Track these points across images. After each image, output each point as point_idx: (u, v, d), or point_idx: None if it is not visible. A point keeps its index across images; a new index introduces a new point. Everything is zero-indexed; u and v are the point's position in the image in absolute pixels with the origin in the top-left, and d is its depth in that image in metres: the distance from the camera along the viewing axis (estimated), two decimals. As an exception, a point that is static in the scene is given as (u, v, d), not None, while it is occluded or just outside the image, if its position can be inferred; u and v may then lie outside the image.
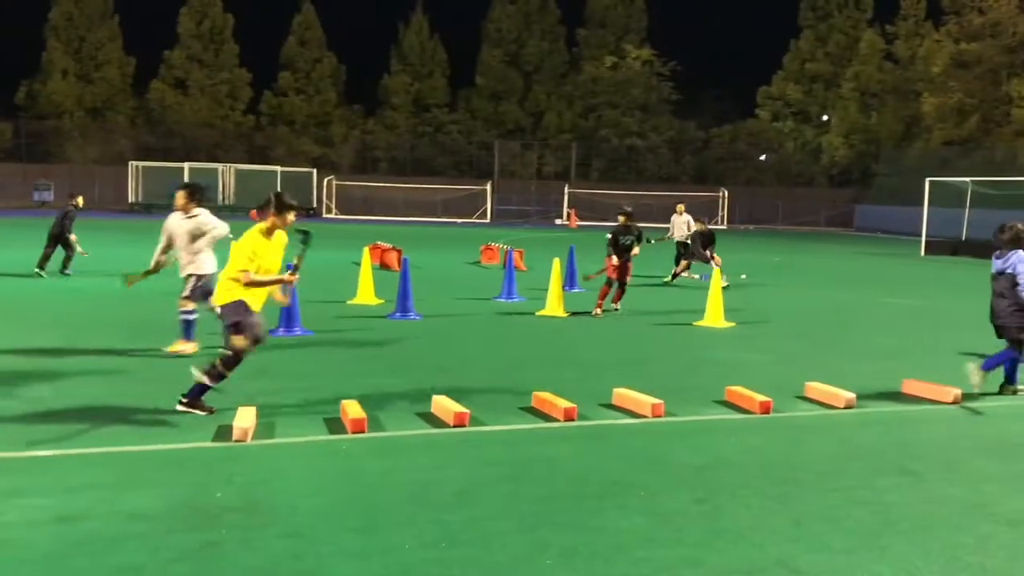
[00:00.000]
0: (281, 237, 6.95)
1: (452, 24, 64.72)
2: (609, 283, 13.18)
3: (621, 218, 13.26)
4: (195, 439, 6.17)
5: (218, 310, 7.04)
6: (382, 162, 61.33)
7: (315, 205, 49.96)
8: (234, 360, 6.77)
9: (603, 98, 60.62)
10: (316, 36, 60.86)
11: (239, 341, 6.72)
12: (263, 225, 6.80)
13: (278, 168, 49.38)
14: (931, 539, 4.73)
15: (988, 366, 8.44)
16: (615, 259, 13.04)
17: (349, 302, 13.74)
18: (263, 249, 6.74)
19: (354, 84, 62.72)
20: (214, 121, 57.52)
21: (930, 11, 55.12)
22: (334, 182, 51.05)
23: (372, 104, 62.94)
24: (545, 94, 62.38)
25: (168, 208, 18.92)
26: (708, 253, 17.80)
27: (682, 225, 19.44)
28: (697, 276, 18.93)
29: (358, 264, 19.65)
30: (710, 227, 18.79)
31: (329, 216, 49.26)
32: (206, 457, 5.83)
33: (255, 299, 6.84)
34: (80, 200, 16.91)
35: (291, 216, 6.83)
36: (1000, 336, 8.53)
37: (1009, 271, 8.24)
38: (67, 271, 16.42)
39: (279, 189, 7.17)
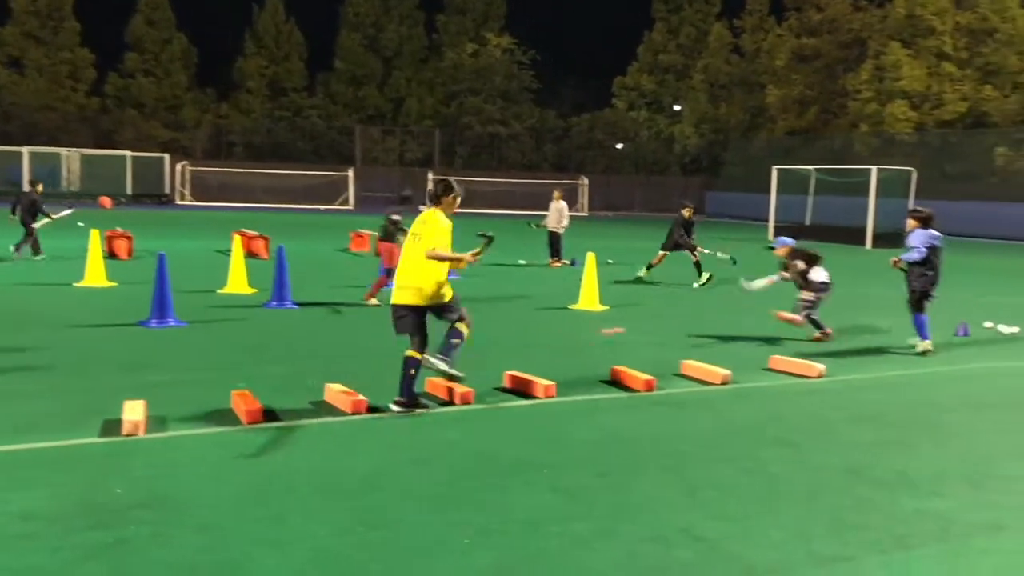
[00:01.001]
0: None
1: (308, 7, 63.15)
2: (388, 273, 11.99)
3: (399, 206, 13.00)
4: (80, 435, 5.92)
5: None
6: (238, 147, 59.33)
7: (167, 192, 47.94)
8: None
9: (464, 85, 60.68)
10: (165, 16, 58.11)
11: (467, 328, 7.17)
12: (443, 209, 7.11)
13: (127, 153, 47.04)
14: (816, 503, 5.09)
15: (926, 335, 10.00)
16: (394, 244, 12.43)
17: (220, 291, 13.35)
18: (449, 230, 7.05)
19: (206, 67, 60.38)
20: (55, 103, 54.11)
21: (773, 7, 57.90)
22: (187, 168, 49.10)
23: (226, 87, 60.79)
24: (405, 80, 61.89)
25: (6, 194, 17.94)
26: (692, 241, 16.77)
27: (555, 213, 19.58)
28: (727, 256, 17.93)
29: (222, 252, 19.15)
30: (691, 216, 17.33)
31: (183, 203, 47.40)
32: (96, 453, 5.61)
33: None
34: (40, 187, 18.16)
35: (457, 202, 7.23)
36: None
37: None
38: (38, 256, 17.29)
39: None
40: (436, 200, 7.17)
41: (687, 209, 17.28)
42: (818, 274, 10.78)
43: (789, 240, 11.45)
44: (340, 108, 60.89)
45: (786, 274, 10.98)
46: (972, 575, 4.18)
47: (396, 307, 7.00)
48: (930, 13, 45.20)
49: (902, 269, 10.17)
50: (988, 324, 12.04)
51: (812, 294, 10.68)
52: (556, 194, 19.84)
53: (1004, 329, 11.74)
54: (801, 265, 10.82)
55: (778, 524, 4.74)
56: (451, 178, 7.37)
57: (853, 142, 48.25)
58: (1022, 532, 4.74)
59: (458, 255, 7.01)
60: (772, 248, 11.49)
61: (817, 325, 10.77)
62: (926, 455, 6.10)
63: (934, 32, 45.44)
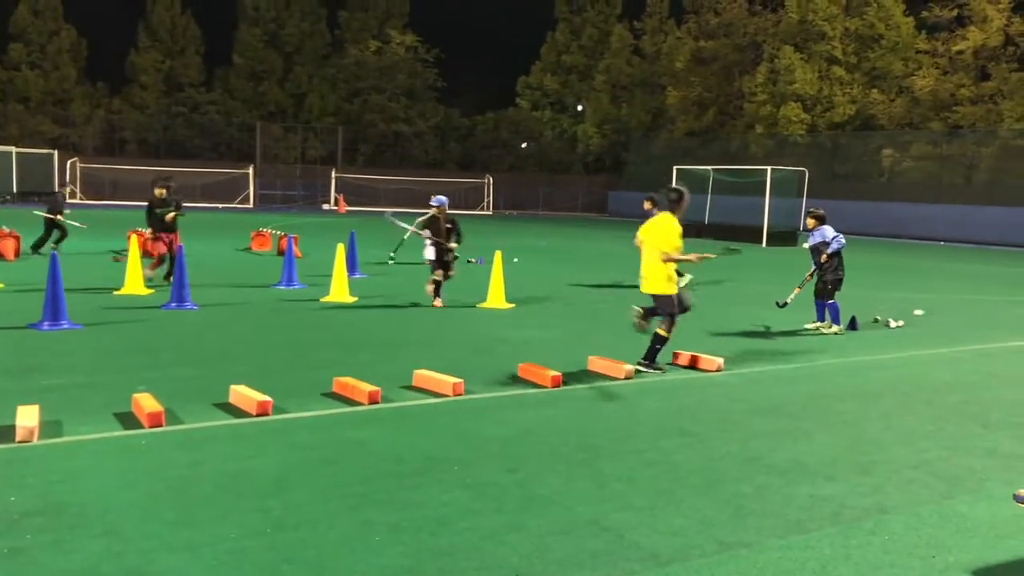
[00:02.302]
0: None
1: (205, 0, 61.45)
2: (162, 258, 14.06)
3: (158, 191, 14.24)
4: (-30, 443, 5.69)
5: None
6: (131, 143, 57.39)
7: (57, 189, 45.98)
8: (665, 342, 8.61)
9: (368, 82, 60.09)
10: (52, 6, 55.78)
11: (666, 331, 8.53)
12: (676, 214, 8.44)
13: (12, 149, 45.02)
14: (717, 492, 5.28)
15: (838, 320, 11.42)
16: (149, 232, 14.24)
17: (116, 292, 12.94)
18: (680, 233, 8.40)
19: (97, 60, 58.18)
20: (-69, 95, 51.50)
21: (672, 9, 59.15)
22: (78, 165, 47.26)
23: (118, 82, 58.71)
24: (307, 76, 60.91)
25: None
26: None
27: None
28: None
29: (118, 252, 18.54)
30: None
31: (74, 201, 45.58)
32: (-13, 461, 5.39)
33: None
34: (68, 190, 19.48)
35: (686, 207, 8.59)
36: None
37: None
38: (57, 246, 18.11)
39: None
40: (671, 206, 8.48)
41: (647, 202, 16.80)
42: (428, 251, 12.50)
43: (443, 199, 12.79)
44: (239, 104, 59.53)
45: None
46: (863, 555, 4.40)
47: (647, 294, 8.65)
48: (821, 19, 46.95)
49: (821, 263, 11.39)
50: (877, 318, 12.62)
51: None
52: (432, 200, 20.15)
53: (892, 323, 12.32)
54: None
55: (682, 512, 4.90)
56: (678, 186, 8.80)
57: (749, 143, 49.73)
58: (906, 513, 5.02)
59: (687, 256, 8.55)
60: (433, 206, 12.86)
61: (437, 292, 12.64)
62: (819, 443, 6.38)
63: (825, 37, 47.21)
